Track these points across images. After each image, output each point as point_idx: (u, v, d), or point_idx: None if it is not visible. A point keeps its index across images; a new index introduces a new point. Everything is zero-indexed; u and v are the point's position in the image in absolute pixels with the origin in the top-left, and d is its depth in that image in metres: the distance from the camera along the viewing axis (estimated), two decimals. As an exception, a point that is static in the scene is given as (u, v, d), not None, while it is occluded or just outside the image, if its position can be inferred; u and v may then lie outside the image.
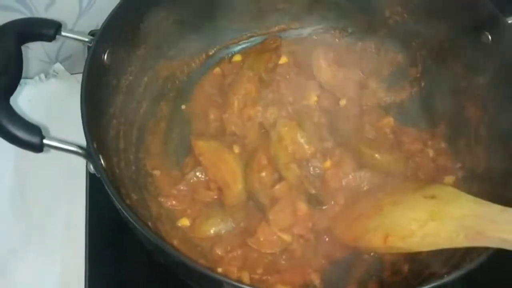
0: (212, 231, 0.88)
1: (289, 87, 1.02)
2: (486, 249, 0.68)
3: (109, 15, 0.86)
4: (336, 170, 0.92)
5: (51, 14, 1.09)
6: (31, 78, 1.18)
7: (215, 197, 0.92)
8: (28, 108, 1.09)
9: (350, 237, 0.83)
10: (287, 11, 1.09)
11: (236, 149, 0.96)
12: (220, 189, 0.92)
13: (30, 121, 0.90)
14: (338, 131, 0.97)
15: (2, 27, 0.76)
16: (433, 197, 0.77)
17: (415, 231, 0.73)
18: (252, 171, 0.91)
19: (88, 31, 1.11)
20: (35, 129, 0.72)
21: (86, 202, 0.93)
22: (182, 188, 0.92)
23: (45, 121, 1.07)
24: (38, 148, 0.71)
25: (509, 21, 0.87)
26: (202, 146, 0.95)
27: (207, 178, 0.93)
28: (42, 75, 1.18)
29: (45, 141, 0.72)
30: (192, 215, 0.90)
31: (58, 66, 1.19)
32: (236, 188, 0.90)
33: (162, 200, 0.91)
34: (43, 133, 0.73)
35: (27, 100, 1.13)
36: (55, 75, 1.19)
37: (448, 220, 0.71)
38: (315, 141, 0.94)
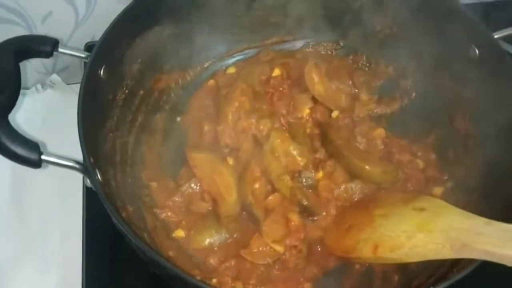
0: (206, 242, 0.90)
1: (282, 99, 1.04)
2: (472, 260, 0.70)
3: (105, 32, 0.87)
4: (328, 181, 0.94)
5: (47, 26, 1.10)
6: (28, 88, 1.19)
7: (210, 208, 0.93)
8: (25, 118, 1.11)
9: (341, 248, 0.85)
10: (281, 24, 1.11)
11: (230, 161, 0.97)
12: (214, 201, 0.93)
13: (27, 135, 0.92)
14: (330, 142, 0.98)
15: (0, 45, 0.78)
16: (422, 209, 0.79)
17: (404, 242, 0.75)
18: (245, 183, 0.93)
19: (85, 42, 1.14)
20: (33, 146, 0.73)
21: (83, 214, 0.94)
22: (177, 199, 0.94)
23: (42, 131, 1.09)
24: (37, 164, 0.73)
25: (496, 36, 0.89)
26: (196, 158, 0.96)
27: (202, 189, 0.94)
28: (39, 86, 1.19)
29: (43, 157, 0.73)
30: (187, 226, 0.92)
31: (55, 77, 1.21)
32: (230, 200, 0.92)
33: (157, 211, 0.93)
34: (41, 148, 0.75)
35: (25, 110, 1.14)
36: (52, 85, 1.21)
37: (436, 232, 0.73)
38: (307, 153, 0.96)
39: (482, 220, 0.70)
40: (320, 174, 0.95)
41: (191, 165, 0.96)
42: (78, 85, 1.17)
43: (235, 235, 0.91)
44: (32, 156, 0.72)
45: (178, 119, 1.06)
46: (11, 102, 0.75)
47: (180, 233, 0.91)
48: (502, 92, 0.86)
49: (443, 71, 0.99)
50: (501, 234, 0.66)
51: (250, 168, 0.94)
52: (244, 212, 0.93)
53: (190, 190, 0.94)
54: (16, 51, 0.78)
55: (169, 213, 0.93)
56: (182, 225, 0.92)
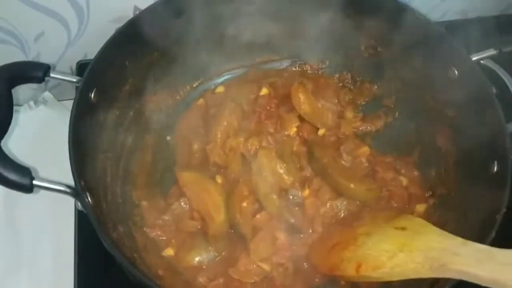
0: (195, 261, 0.92)
1: (269, 118, 1.06)
2: (450, 279, 0.72)
3: (95, 56, 0.89)
4: (314, 199, 0.97)
5: (40, 45, 1.12)
6: (21, 105, 1.20)
7: (199, 227, 0.95)
8: (18, 135, 1.11)
9: (326, 265, 0.87)
10: (268, 44, 1.13)
11: (219, 180, 0.99)
12: (203, 219, 0.95)
13: (20, 154, 0.95)
14: (317, 160, 1.01)
15: (-8, 74, 0.80)
16: (403, 228, 0.82)
17: (385, 261, 0.77)
18: (233, 202, 0.95)
19: (76, 60, 1.15)
20: (25, 171, 0.75)
21: (75, 234, 0.95)
22: (166, 218, 0.96)
23: (34, 147, 1.12)
24: (28, 189, 0.75)
25: (473, 58, 0.92)
26: (186, 177, 0.98)
27: (191, 208, 0.96)
28: (32, 103, 1.21)
29: (34, 182, 0.76)
30: (176, 245, 0.94)
31: (47, 94, 1.22)
32: (219, 219, 0.94)
33: (147, 230, 0.95)
34: (33, 173, 0.77)
35: (17, 127, 1.15)
36: (45, 102, 1.22)
37: (416, 251, 0.75)
38: (294, 171, 0.99)
39: (458, 240, 0.72)
40: (307, 192, 0.98)
41: (181, 184, 0.98)
42: (70, 102, 1.19)
43: (223, 253, 0.93)
44: (24, 181, 0.74)
45: (168, 138, 1.08)
46: (3, 129, 0.77)
47: (169, 252, 0.93)
48: (481, 111, 0.89)
49: (425, 91, 1.01)
50: (476, 254, 0.69)
51: (238, 187, 0.97)
52: (232, 230, 0.95)
53: (179, 209, 0.97)
54: (8, 78, 0.80)
55: (159, 232, 0.95)
56: (171, 243, 0.94)
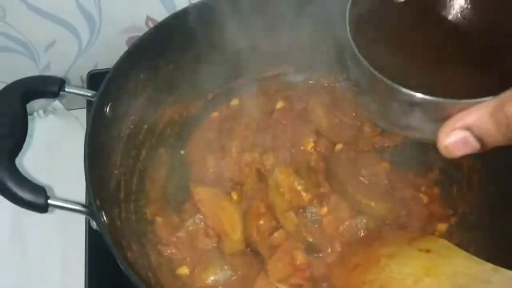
0: (210, 280, 0.89)
1: (285, 132, 1.04)
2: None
3: (110, 71, 0.87)
4: (332, 217, 0.94)
5: (50, 55, 1.11)
6: (30, 114, 1.19)
7: (215, 244, 0.93)
8: (27, 144, 1.10)
9: (347, 287, 0.85)
10: (284, 57, 1.11)
11: (235, 196, 0.97)
12: (219, 237, 0.93)
13: (30, 168, 0.93)
14: (335, 177, 0.98)
15: (7, 88, 0.78)
16: (428, 251, 0.79)
17: (410, 286, 0.75)
18: (250, 219, 0.93)
19: (87, 71, 1.14)
20: (40, 190, 0.73)
21: (85, 252, 0.93)
22: (181, 235, 0.93)
23: (43, 156, 1.11)
24: (43, 208, 0.73)
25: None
26: (201, 192, 0.96)
27: (206, 225, 0.94)
28: (41, 112, 1.20)
29: (49, 201, 0.74)
30: (191, 263, 0.91)
31: (56, 103, 1.21)
32: (235, 237, 0.92)
33: (161, 248, 0.92)
34: (48, 192, 0.75)
35: (27, 136, 1.15)
36: (54, 111, 1.21)
37: (442, 277, 0.73)
38: (311, 188, 0.96)
39: (488, 266, 0.70)
40: (325, 209, 0.95)
41: (196, 200, 0.96)
42: (80, 111, 1.20)
43: (239, 273, 0.91)
44: (39, 201, 0.73)
45: (182, 152, 1.06)
46: (19, 145, 0.75)
47: (184, 271, 0.91)
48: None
49: (447, 105, 0.99)
50: (509, 282, 0.66)
51: (255, 204, 0.95)
52: (248, 249, 0.93)
53: (194, 225, 0.94)
54: (23, 93, 0.79)
55: (173, 250, 0.92)
56: (186, 262, 0.92)
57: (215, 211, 0.95)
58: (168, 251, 0.92)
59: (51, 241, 1.02)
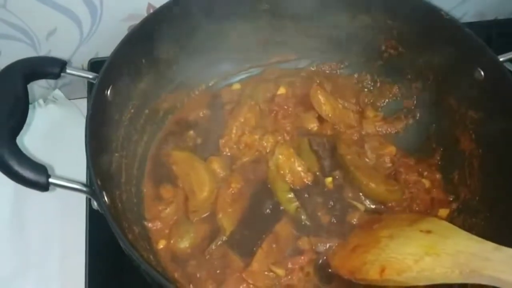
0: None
1: (286, 117, 1.05)
2: (481, 286, 0.70)
3: (112, 53, 0.87)
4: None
5: (51, 43, 1.11)
6: (31, 103, 1.18)
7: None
8: (27, 134, 1.11)
9: (347, 269, 0.84)
10: (285, 43, 1.11)
11: (216, 164, 0.97)
12: (186, 197, 0.94)
13: (30, 153, 0.93)
14: (340, 156, 0.99)
15: (8, 68, 0.78)
16: (429, 231, 0.79)
17: (411, 265, 0.74)
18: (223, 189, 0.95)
19: (88, 59, 1.14)
20: (41, 169, 0.73)
21: (86, 234, 0.93)
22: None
23: (44, 146, 1.10)
24: (44, 187, 0.73)
25: (501, 59, 0.89)
26: (177, 155, 0.99)
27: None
28: (41, 101, 1.20)
29: (51, 180, 0.74)
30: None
31: (57, 92, 1.21)
32: (201, 196, 0.93)
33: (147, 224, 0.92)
34: (48, 171, 0.75)
35: (26, 124, 1.12)
36: (54, 101, 1.21)
37: (444, 255, 0.73)
38: (313, 169, 0.97)
39: (490, 245, 0.70)
40: (329, 179, 0.96)
41: (170, 162, 0.98)
42: (81, 100, 1.20)
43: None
44: (41, 179, 0.72)
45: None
46: (20, 124, 0.75)
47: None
48: (508, 113, 0.87)
49: (448, 92, 0.99)
50: (510, 260, 0.66)
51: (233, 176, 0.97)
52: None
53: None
54: (24, 73, 0.79)
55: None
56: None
57: (188, 171, 0.96)
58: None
59: (51, 224, 1.02)
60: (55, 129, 1.16)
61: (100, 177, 0.78)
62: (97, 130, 0.82)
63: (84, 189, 0.76)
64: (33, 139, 1.10)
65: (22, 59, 0.83)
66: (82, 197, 0.94)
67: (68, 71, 0.85)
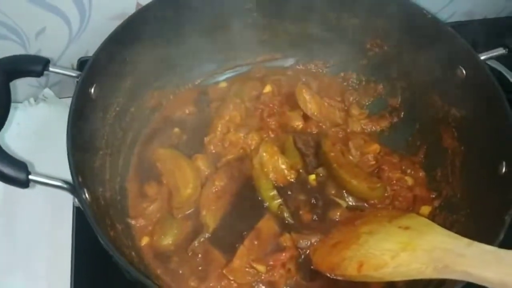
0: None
1: (272, 115, 1.05)
2: (457, 281, 0.70)
3: (95, 51, 0.88)
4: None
5: (41, 41, 1.11)
6: (21, 102, 1.20)
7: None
8: (16, 132, 1.12)
9: (326, 265, 0.85)
10: (271, 42, 1.11)
11: (200, 161, 0.98)
12: (170, 193, 0.95)
13: (18, 151, 0.93)
14: (323, 153, 0.99)
15: (-9, 65, 0.78)
16: (407, 227, 0.80)
17: (388, 261, 0.75)
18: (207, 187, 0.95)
19: (78, 57, 1.14)
20: (21, 166, 0.74)
21: (72, 231, 0.94)
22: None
23: (33, 145, 1.11)
24: (24, 184, 0.74)
25: (482, 57, 0.90)
26: (161, 153, 0.99)
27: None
28: (32, 99, 1.20)
29: (31, 177, 0.74)
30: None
31: (47, 91, 1.21)
32: (185, 192, 0.93)
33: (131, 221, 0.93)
34: (29, 168, 0.75)
35: (16, 123, 1.15)
36: (44, 99, 1.21)
37: (419, 251, 0.73)
38: (296, 167, 0.98)
39: (464, 241, 0.70)
40: (313, 177, 0.97)
41: (155, 159, 0.98)
42: (71, 99, 1.20)
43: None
44: (20, 176, 0.73)
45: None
46: (1, 122, 0.75)
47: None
48: (490, 111, 0.87)
49: (431, 90, 0.99)
50: (482, 256, 0.66)
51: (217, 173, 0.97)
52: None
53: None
54: (6, 71, 0.79)
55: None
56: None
57: (172, 168, 0.96)
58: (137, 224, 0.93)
59: (39, 223, 1.02)
60: (45, 127, 1.16)
61: (82, 174, 0.78)
62: (81, 127, 0.83)
63: (65, 186, 0.76)
64: (23, 137, 1.11)
65: (4, 57, 0.83)
66: (70, 196, 0.94)
67: (51, 69, 0.85)
